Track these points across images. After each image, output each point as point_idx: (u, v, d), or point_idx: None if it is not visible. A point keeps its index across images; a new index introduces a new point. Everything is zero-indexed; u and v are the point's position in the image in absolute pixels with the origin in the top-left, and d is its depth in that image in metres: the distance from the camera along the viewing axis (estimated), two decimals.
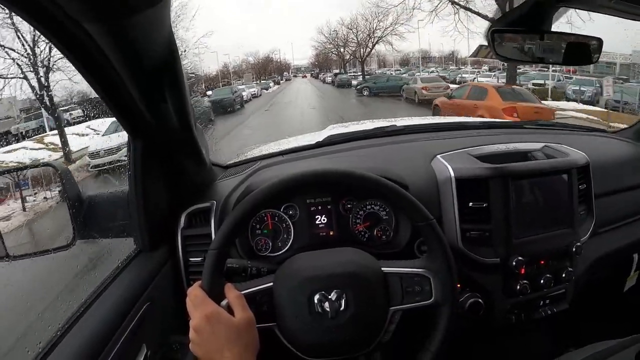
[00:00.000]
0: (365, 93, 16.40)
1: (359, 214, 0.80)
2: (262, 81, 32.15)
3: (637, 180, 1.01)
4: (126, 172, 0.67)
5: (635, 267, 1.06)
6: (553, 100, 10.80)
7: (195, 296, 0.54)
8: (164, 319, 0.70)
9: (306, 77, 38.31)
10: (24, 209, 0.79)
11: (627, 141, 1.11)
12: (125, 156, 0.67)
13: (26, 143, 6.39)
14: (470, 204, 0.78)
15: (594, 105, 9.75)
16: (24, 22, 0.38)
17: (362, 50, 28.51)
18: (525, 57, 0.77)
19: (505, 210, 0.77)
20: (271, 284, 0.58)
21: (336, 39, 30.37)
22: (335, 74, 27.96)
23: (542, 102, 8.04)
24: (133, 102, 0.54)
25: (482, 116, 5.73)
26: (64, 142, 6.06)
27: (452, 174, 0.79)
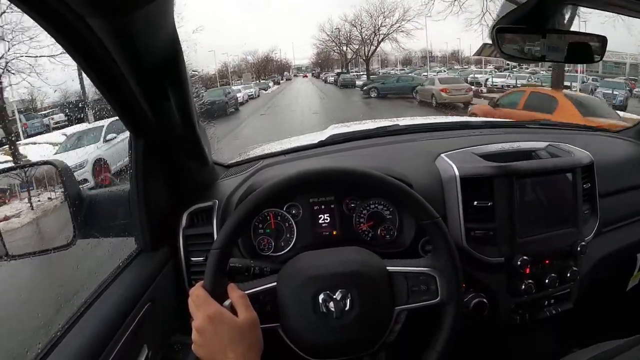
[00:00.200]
0: (373, 94, 14.91)
1: (363, 213, 0.80)
2: (261, 81, 31.27)
3: None
4: (127, 172, 0.67)
5: (639, 267, 1.06)
6: None
7: (198, 296, 0.53)
8: (165, 320, 0.69)
9: (307, 76, 37.51)
10: (31, 207, 0.78)
11: (630, 140, 1.10)
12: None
13: None
14: (475, 202, 0.77)
15: (623, 110, 7.99)
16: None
17: (366, 48, 26.76)
18: (529, 55, 0.77)
19: (509, 209, 0.77)
20: (274, 283, 0.57)
21: (338, 37, 28.89)
22: (338, 74, 26.36)
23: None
24: (135, 100, 0.54)
25: None
26: (14, 154, 5.23)
27: (457, 172, 0.78)
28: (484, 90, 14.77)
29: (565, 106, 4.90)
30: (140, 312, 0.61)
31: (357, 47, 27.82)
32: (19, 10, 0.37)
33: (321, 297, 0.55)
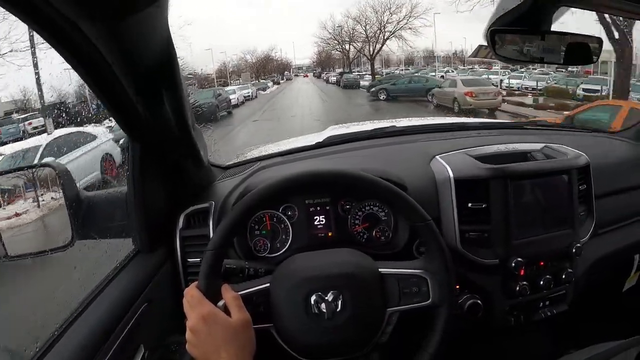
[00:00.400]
0: (382, 97, 13.48)
1: (358, 215, 0.80)
2: (260, 81, 30.13)
3: (637, 180, 1.00)
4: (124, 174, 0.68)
5: (636, 268, 1.05)
6: None
7: (192, 296, 0.54)
8: (163, 320, 0.70)
9: (307, 76, 36.70)
10: (38, 206, 0.79)
11: (628, 141, 1.10)
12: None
13: None
14: (469, 204, 0.77)
15: None
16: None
17: (371, 46, 24.89)
18: (524, 57, 0.77)
19: (504, 211, 0.77)
20: (268, 284, 0.58)
21: (341, 34, 27.15)
22: (341, 73, 24.95)
23: None
24: (130, 103, 0.54)
25: None
26: None
27: (451, 174, 0.78)
28: (504, 92, 12.94)
29: None
30: (137, 313, 0.62)
31: (360, 45, 26.34)
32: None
33: (313, 298, 0.56)
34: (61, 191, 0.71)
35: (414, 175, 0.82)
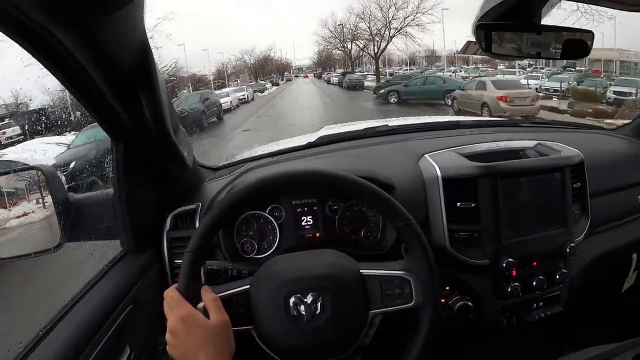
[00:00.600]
0: (393, 99, 12.11)
1: (345, 215, 0.79)
2: (259, 82, 28.21)
3: (635, 178, 0.98)
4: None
5: (634, 267, 1.03)
6: None
7: (171, 298, 0.54)
8: (150, 321, 0.70)
9: (307, 77, 35.70)
10: (43, 206, 0.80)
11: (625, 138, 1.08)
12: None
13: None
14: (458, 204, 0.76)
15: None
16: None
17: (375, 44, 22.79)
18: (515, 52, 0.75)
19: (494, 210, 0.75)
20: (248, 286, 0.58)
21: (342, 32, 25.22)
22: (343, 74, 23.43)
23: None
24: (110, 106, 0.54)
25: None
26: None
27: (439, 173, 0.77)
28: (540, 95, 10.93)
29: None
30: (123, 313, 0.62)
31: (364, 43, 24.20)
32: None
33: (292, 300, 0.55)
34: (49, 194, 0.71)
35: (402, 174, 0.81)
